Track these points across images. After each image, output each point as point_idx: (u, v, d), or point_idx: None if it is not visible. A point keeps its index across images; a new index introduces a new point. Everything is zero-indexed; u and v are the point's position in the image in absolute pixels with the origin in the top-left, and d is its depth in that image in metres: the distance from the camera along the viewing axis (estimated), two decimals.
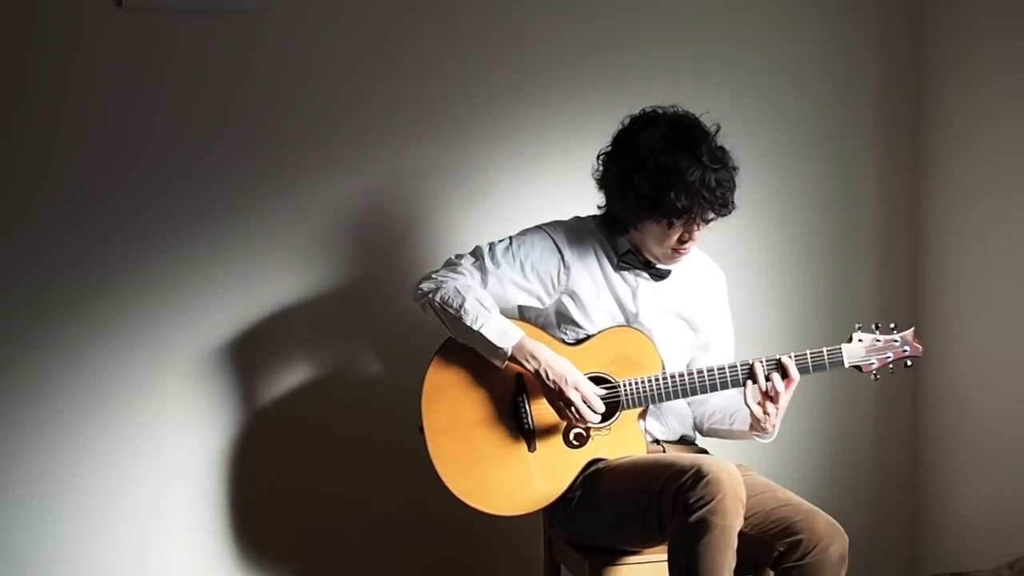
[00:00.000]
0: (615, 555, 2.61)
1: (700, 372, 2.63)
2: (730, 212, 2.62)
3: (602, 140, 3.21)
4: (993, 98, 3.22)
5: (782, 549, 2.49)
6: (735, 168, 2.62)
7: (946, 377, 3.37)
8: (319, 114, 3.09)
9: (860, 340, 2.68)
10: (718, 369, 2.62)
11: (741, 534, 2.40)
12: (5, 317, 2.92)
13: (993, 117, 3.22)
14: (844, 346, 2.67)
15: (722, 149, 2.61)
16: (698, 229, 2.62)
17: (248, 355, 3.07)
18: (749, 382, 2.61)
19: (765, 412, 2.61)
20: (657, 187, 2.55)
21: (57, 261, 2.94)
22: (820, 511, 2.52)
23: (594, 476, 2.62)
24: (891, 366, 2.69)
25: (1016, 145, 3.14)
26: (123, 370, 2.99)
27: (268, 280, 3.07)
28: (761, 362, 2.61)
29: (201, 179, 3.02)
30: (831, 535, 2.48)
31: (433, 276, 2.68)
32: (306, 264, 3.09)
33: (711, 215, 2.60)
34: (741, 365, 2.62)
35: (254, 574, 3.09)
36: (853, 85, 3.43)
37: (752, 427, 2.67)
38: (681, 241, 2.63)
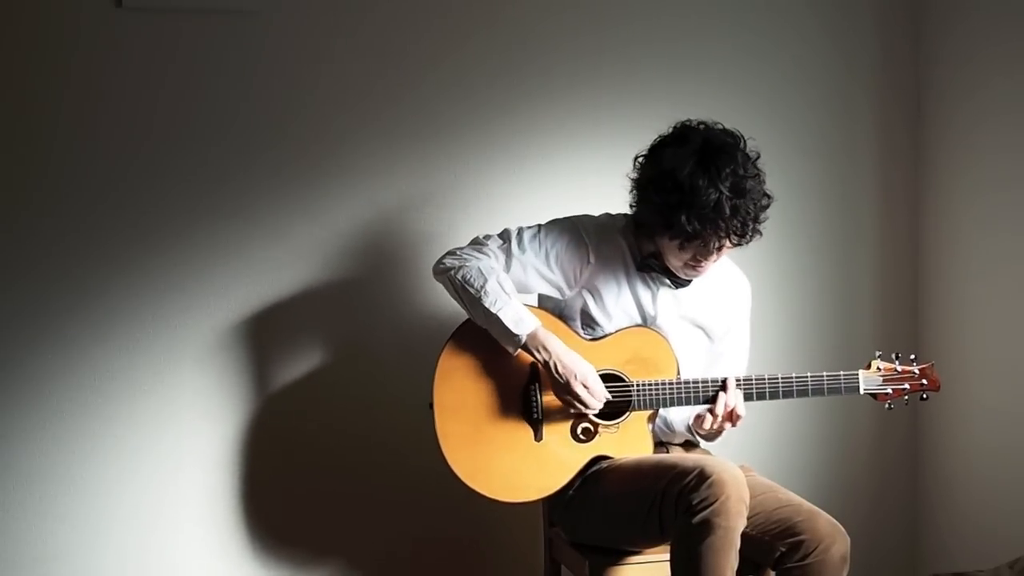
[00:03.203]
0: (616, 555, 2.61)
1: (715, 381, 2.62)
2: (749, 241, 2.57)
3: (602, 139, 3.23)
4: (993, 98, 3.22)
5: (784, 549, 2.49)
6: (763, 199, 2.56)
7: (946, 377, 3.36)
8: (319, 113, 3.08)
9: (879, 368, 2.67)
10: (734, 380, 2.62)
11: (742, 534, 2.40)
12: (5, 317, 2.91)
13: (993, 117, 3.22)
14: (862, 372, 2.66)
15: (752, 178, 2.53)
16: (714, 253, 2.58)
17: (249, 355, 3.07)
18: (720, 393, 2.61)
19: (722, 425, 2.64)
20: (670, 206, 2.51)
21: (57, 261, 2.93)
22: (821, 511, 2.53)
23: (596, 475, 2.62)
24: (907, 398, 2.68)
25: (1016, 145, 3.14)
26: (123, 370, 2.98)
27: (268, 279, 3.07)
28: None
29: (201, 178, 3.02)
30: (832, 535, 2.48)
31: (458, 252, 2.66)
32: (306, 263, 3.09)
33: (726, 242, 2.56)
34: (757, 379, 2.62)
35: (255, 573, 3.09)
36: (853, 85, 3.43)
37: (694, 429, 2.71)
38: (696, 260, 2.61)
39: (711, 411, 2.61)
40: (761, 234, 2.59)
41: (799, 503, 2.55)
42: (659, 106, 3.17)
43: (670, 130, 2.62)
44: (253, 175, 3.05)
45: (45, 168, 2.93)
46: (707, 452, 2.81)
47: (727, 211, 2.49)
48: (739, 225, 2.52)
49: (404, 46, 3.13)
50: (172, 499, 3.03)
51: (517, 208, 3.16)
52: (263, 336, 3.08)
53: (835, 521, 2.51)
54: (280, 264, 3.08)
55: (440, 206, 3.16)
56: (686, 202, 2.49)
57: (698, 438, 2.76)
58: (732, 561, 2.38)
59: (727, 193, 2.49)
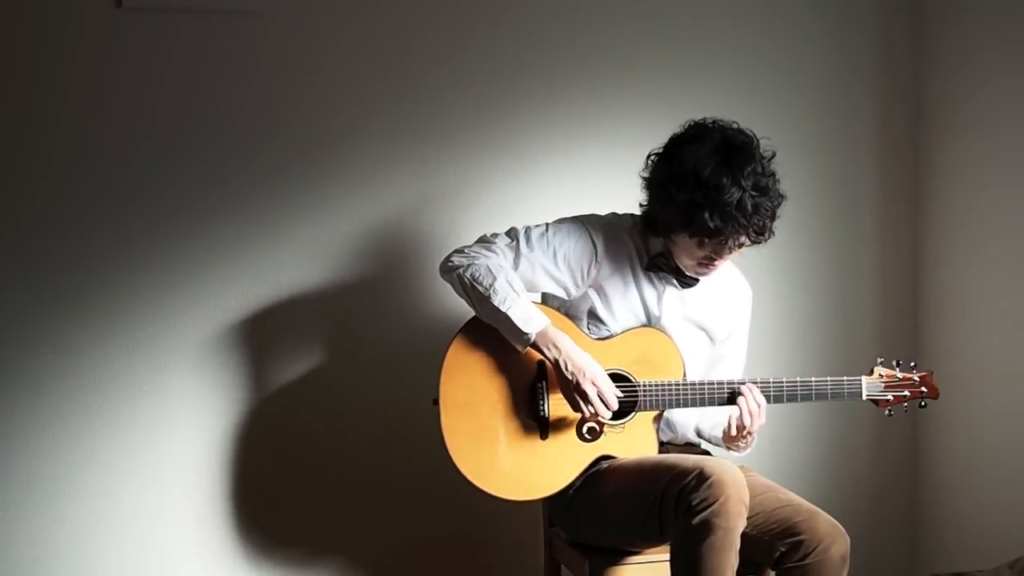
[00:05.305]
0: (616, 555, 2.61)
1: (720, 383, 2.62)
2: (766, 240, 2.59)
3: (603, 139, 3.22)
4: (993, 98, 3.22)
5: (783, 549, 2.49)
6: (780, 198, 2.58)
7: (946, 377, 3.36)
8: (318, 114, 3.08)
9: (880, 375, 2.69)
10: (740, 383, 2.62)
11: (742, 535, 2.40)
12: (5, 317, 2.91)
13: (993, 117, 3.22)
14: (864, 378, 2.67)
15: (771, 176, 2.56)
16: (729, 251, 2.59)
17: (249, 355, 3.07)
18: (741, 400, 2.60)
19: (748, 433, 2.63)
20: (693, 203, 2.51)
21: (57, 261, 2.94)
22: (821, 511, 2.53)
23: (597, 475, 2.62)
24: (906, 404, 2.71)
25: (1016, 145, 3.14)
26: (123, 370, 2.98)
27: (268, 279, 3.07)
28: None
29: (201, 178, 3.02)
30: (832, 535, 2.48)
31: (466, 251, 2.65)
32: (306, 263, 3.09)
33: (744, 240, 2.56)
34: (763, 383, 2.62)
35: (255, 573, 3.09)
36: (853, 85, 3.43)
37: (727, 440, 2.70)
38: (710, 258, 2.61)
39: (740, 427, 2.60)
40: (775, 234, 2.60)
41: (799, 503, 2.55)
42: (660, 106, 3.18)
43: (683, 129, 2.62)
44: (253, 175, 3.05)
45: (45, 168, 2.93)
46: (707, 453, 2.81)
47: (749, 209, 2.50)
48: (759, 223, 2.54)
49: (404, 46, 3.13)
50: (172, 499, 3.03)
51: (518, 208, 3.16)
52: (263, 336, 3.08)
53: (835, 521, 2.51)
54: (280, 264, 3.08)
55: (440, 207, 3.16)
56: (710, 200, 2.50)
57: (726, 449, 2.76)
58: (732, 561, 2.38)
59: (750, 191, 2.50)
